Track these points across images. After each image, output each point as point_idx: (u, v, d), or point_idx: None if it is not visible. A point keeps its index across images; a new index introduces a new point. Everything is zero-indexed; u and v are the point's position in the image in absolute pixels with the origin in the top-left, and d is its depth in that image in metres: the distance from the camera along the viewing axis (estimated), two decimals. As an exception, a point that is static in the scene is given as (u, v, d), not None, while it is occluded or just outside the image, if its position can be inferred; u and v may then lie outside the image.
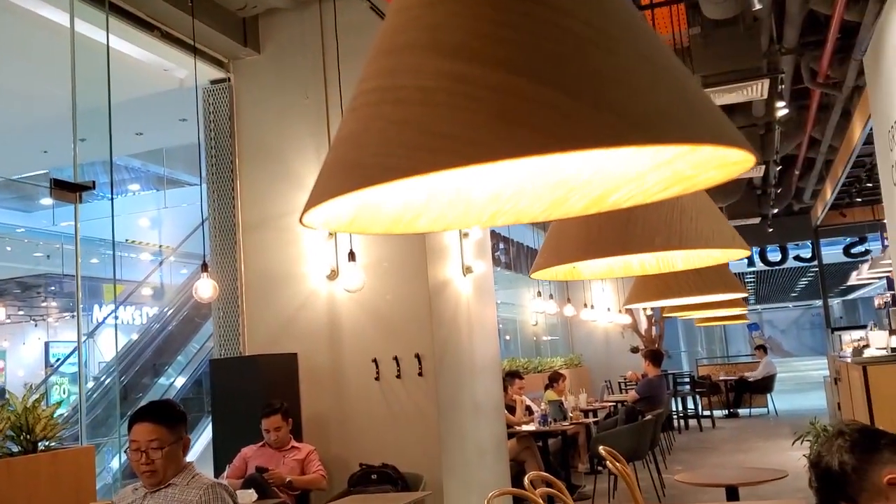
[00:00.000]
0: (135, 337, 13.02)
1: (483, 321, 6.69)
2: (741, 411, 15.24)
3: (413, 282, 5.74)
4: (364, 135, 0.65)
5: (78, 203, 4.96)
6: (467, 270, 6.41)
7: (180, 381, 12.34)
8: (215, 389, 5.74)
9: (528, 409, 8.75)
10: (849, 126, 9.54)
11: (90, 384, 12.06)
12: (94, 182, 4.96)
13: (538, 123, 0.60)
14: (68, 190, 4.95)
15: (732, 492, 4.20)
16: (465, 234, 6.50)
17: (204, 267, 4.88)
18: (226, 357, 6.01)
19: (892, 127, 5.48)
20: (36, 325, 17.34)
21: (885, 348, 7.45)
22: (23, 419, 4.08)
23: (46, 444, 4.16)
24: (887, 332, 8.19)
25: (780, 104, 8.62)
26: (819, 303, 21.61)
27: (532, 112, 0.60)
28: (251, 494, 4.69)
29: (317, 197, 0.70)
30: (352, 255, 5.45)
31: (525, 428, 8.06)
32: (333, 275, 5.90)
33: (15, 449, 4.03)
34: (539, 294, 10.71)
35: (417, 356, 5.67)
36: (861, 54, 6.76)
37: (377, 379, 5.75)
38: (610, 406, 11.10)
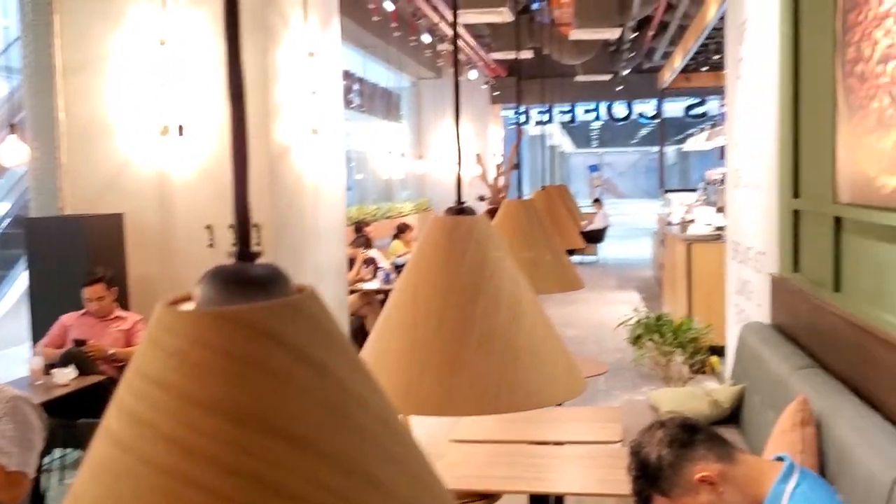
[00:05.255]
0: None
1: (330, 184, 6.47)
2: (572, 258, 15.95)
3: (252, 144, 5.40)
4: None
5: None
6: (314, 132, 6.10)
7: (3, 207, 11.42)
8: (32, 253, 5.30)
9: (372, 261, 8.67)
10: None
11: None
12: None
13: None
14: None
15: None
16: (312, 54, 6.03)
17: (11, 128, 4.36)
18: (44, 217, 5.53)
19: (744, 23, 5.48)
20: None
21: (710, 226, 7.86)
22: None
23: None
24: (714, 209, 8.62)
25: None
26: (657, 148, 22.57)
27: None
28: (69, 374, 4.47)
29: None
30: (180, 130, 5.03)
31: (366, 286, 8.07)
32: (166, 130, 5.47)
33: None
34: (390, 153, 10.50)
35: (256, 226, 5.41)
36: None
37: (211, 246, 5.49)
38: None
